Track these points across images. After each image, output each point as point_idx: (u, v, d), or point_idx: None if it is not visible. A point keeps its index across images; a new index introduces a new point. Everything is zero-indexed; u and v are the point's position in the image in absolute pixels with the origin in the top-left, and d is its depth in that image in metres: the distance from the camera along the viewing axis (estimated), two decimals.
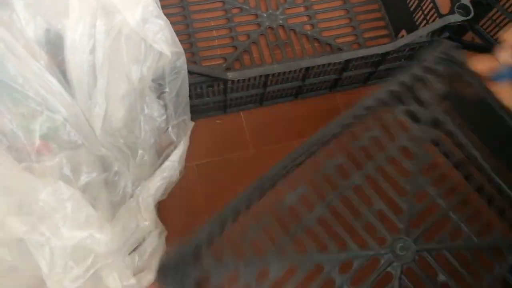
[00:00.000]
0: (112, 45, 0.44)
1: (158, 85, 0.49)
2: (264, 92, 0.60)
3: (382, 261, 0.43)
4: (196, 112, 0.62)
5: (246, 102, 0.63)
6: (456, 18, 0.53)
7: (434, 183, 0.46)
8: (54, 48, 0.46)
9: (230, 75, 0.53)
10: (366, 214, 0.44)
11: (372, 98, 0.45)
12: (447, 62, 0.46)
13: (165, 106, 0.50)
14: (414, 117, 0.48)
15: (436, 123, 0.48)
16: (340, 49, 0.68)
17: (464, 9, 0.54)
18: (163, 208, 0.58)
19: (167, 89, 0.49)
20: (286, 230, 0.43)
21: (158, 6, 0.45)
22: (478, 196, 0.47)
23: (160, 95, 0.50)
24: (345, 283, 0.42)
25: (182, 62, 0.48)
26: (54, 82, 0.44)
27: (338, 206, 0.44)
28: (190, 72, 0.51)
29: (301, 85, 0.61)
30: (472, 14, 0.53)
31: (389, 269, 0.43)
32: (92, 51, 0.44)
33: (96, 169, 0.46)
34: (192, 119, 0.63)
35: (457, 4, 0.54)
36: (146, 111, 0.50)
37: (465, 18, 0.53)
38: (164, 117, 0.51)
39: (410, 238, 0.44)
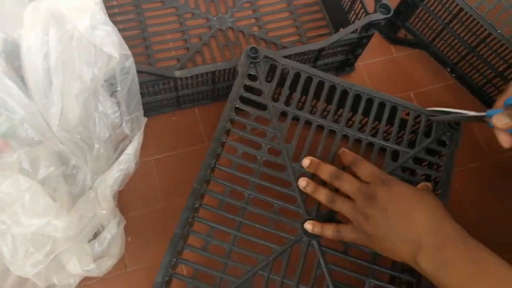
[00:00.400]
0: (64, 49, 0.49)
1: (110, 84, 0.54)
2: (214, 88, 0.66)
3: (303, 245, 0.50)
4: (151, 109, 0.67)
5: (198, 99, 0.69)
6: (377, 16, 0.59)
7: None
8: (11, 55, 0.51)
9: (178, 73, 0.58)
10: (271, 217, 0.51)
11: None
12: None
13: (118, 103, 0.55)
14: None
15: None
16: (285, 47, 0.74)
17: (385, 8, 0.60)
18: (122, 200, 0.63)
19: (119, 88, 0.54)
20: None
21: (105, 14, 0.50)
22: None
23: (112, 93, 0.55)
24: (283, 279, 0.48)
25: (130, 63, 0.53)
26: (12, 86, 0.49)
27: (247, 218, 0.51)
28: (139, 71, 0.56)
29: None
30: (391, 13, 0.59)
31: (310, 248, 0.50)
32: (46, 56, 0.49)
33: (54, 163, 0.51)
34: (148, 115, 0.68)
35: (379, 4, 0.60)
36: (100, 108, 0.54)
37: (385, 16, 0.59)
38: (118, 113, 0.56)
39: (311, 215, 0.51)
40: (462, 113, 0.50)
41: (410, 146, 0.54)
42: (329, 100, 0.55)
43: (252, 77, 0.55)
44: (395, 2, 0.72)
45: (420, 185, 0.50)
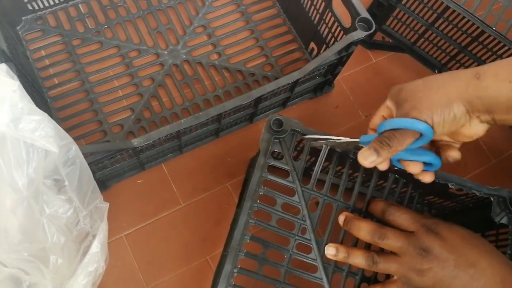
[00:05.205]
0: None
1: (55, 181, 0.43)
2: (180, 143, 0.56)
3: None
4: (112, 178, 0.57)
5: (164, 154, 0.59)
6: (359, 34, 0.51)
7: None
8: None
9: (135, 142, 0.48)
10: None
11: None
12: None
13: (70, 199, 0.45)
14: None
15: None
16: (252, 74, 0.64)
17: (366, 23, 0.52)
18: None
19: (66, 182, 0.43)
20: None
21: (29, 101, 0.39)
22: None
23: (60, 189, 0.44)
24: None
25: (74, 152, 0.42)
26: None
27: None
28: (89, 153, 0.45)
29: (219, 127, 0.57)
30: (373, 28, 0.51)
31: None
32: None
33: None
34: (108, 185, 0.58)
35: (358, 18, 0.51)
36: (47, 211, 0.44)
37: (367, 33, 0.51)
38: (71, 210, 0.45)
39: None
40: (335, 139, 0.44)
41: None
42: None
43: (274, 154, 0.47)
44: (366, 2, 0.64)
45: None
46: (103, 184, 0.56)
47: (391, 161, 0.40)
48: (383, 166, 0.40)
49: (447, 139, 0.40)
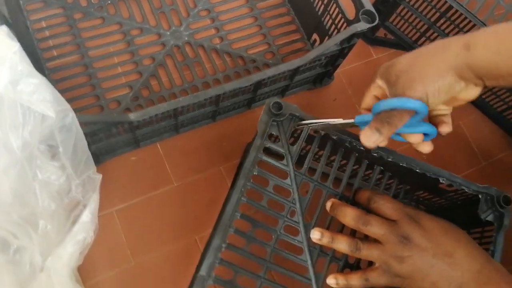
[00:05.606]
0: None
1: (49, 146, 0.43)
2: (176, 122, 0.56)
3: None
4: (106, 153, 0.57)
5: (160, 133, 0.59)
6: (362, 26, 0.51)
7: None
8: None
9: (132, 116, 0.48)
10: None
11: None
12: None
13: (63, 167, 0.45)
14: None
15: None
16: (253, 60, 0.65)
17: (369, 15, 0.52)
18: (85, 264, 0.53)
19: (60, 149, 0.43)
20: None
21: (28, 64, 0.39)
22: None
23: (54, 155, 0.44)
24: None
25: (71, 118, 0.42)
26: None
27: None
28: (85, 123, 0.45)
29: (216, 109, 0.57)
30: (377, 21, 0.51)
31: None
32: None
33: None
34: (102, 160, 0.58)
35: (362, 10, 0.52)
36: (40, 176, 0.44)
37: (370, 25, 0.51)
38: (64, 178, 0.45)
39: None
40: (330, 121, 0.45)
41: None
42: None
43: (271, 137, 0.47)
44: None
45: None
46: (96, 158, 0.56)
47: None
48: (384, 143, 0.40)
49: (442, 107, 0.41)
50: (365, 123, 0.40)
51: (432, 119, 0.42)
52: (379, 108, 0.38)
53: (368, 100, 0.44)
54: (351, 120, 0.42)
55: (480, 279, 0.41)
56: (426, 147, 0.42)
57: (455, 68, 0.36)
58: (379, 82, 0.42)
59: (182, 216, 0.58)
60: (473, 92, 0.38)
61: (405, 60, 0.39)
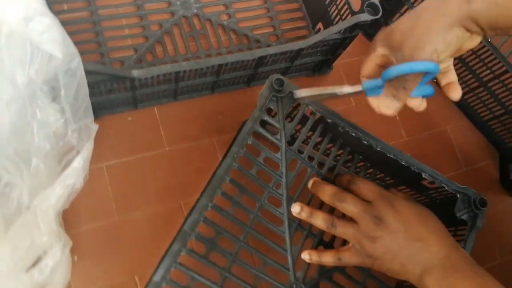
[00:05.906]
0: None
1: (52, 88, 0.45)
2: (176, 87, 0.57)
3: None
4: (104, 108, 0.58)
5: (158, 97, 0.60)
6: (366, 17, 0.53)
7: None
8: None
9: (135, 73, 0.50)
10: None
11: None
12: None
13: (62, 110, 0.46)
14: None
15: None
16: (257, 41, 0.66)
17: (373, 8, 0.54)
18: (67, 213, 0.54)
19: (62, 92, 0.45)
20: None
21: (43, 3, 0.40)
22: None
23: (55, 98, 0.45)
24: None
25: (77, 63, 0.43)
26: None
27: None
28: (89, 72, 0.47)
29: (216, 80, 0.59)
30: (380, 14, 0.53)
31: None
32: None
33: None
34: (100, 115, 0.59)
35: (367, 3, 0.54)
36: (39, 116, 0.45)
37: (373, 18, 0.53)
38: (62, 121, 0.46)
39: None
40: (334, 90, 0.44)
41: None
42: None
43: (269, 111, 0.49)
44: None
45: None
46: (94, 112, 0.57)
47: None
48: (401, 110, 0.41)
49: (446, 60, 0.42)
50: (373, 89, 0.40)
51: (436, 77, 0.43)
52: (390, 74, 0.38)
53: (368, 68, 0.43)
54: (359, 87, 0.41)
55: (446, 264, 0.43)
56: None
57: (461, 20, 0.36)
58: (381, 50, 0.41)
59: (170, 180, 0.59)
60: (476, 41, 0.39)
61: (404, 24, 0.39)
